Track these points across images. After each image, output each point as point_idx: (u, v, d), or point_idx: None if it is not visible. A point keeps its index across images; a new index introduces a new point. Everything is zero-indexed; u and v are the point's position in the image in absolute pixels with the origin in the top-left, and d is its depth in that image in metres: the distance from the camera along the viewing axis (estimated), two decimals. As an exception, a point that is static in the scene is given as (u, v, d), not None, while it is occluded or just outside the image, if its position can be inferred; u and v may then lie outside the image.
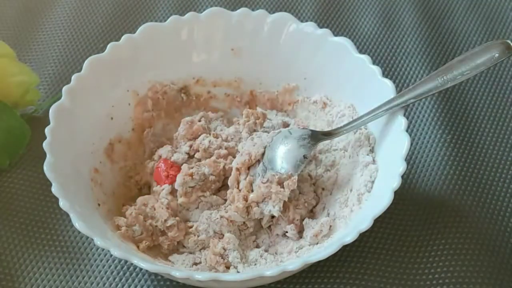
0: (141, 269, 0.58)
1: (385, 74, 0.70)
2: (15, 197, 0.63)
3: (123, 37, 0.63)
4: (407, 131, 0.56)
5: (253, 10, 0.66)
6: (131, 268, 0.58)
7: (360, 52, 0.62)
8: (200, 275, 0.50)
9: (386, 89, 0.58)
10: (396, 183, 0.52)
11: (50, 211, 0.62)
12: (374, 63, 0.61)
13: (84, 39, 0.77)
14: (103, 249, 0.59)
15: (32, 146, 0.65)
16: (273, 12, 0.65)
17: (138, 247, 0.57)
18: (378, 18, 0.78)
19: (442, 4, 0.79)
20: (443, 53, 0.74)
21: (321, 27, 0.64)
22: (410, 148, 0.56)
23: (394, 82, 0.70)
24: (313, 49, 0.64)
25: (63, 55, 0.75)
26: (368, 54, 0.62)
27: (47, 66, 0.74)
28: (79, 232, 0.58)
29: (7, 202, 0.63)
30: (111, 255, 0.59)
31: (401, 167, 0.53)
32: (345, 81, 0.62)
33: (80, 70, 0.61)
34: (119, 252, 0.51)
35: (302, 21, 0.65)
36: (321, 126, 0.63)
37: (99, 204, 0.58)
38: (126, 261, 0.58)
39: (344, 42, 0.62)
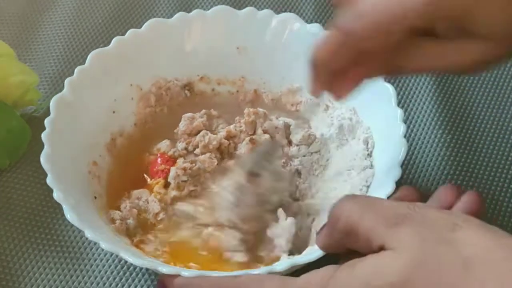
0: (141, 268, 0.58)
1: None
2: (15, 197, 0.63)
3: (128, 32, 0.64)
4: (405, 136, 0.55)
5: (250, 6, 0.66)
6: (131, 267, 0.58)
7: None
8: (187, 272, 0.50)
9: (386, 93, 0.58)
10: (390, 189, 0.52)
11: (51, 210, 0.62)
12: (374, 63, 0.61)
13: (84, 39, 0.77)
14: (103, 249, 0.59)
15: (32, 146, 0.65)
16: (270, 8, 0.65)
17: (132, 241, 0.57)
18: (378, 18, 0.78)
19: (442, 4, 0.79)
20: (443, 53, 0.74)
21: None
22: (410, 148, 0.56)
23: (393, 82, 0.71)
24: None
25: (63, 55, 0.75)
26: (368, 54, 0.62)
27: (47, 66, 0.74)
28: (80, 232, 0.58)
29: (7, 202, 0.63)
30: (112, 254, 0.59)
31: (396, 173, 0.53)
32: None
33: (80, 70, 0.61)
34: (108, 245, 0.50)
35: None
36: (321, 127, 0.63)
37: (95, 197, 0.58)
38: (126, 260, 0.58)
39: None
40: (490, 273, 0.37)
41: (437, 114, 0.68)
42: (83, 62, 0.62)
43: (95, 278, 0.58)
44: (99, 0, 0.81)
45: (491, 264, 0.37)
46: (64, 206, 0.52)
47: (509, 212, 0.61)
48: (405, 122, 0.57)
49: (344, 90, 0.49)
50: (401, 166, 0.54)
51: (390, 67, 0.47)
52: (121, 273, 0.58)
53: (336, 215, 0.43)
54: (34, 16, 0.80)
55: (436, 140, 0.66)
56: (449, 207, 0.48)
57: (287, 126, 0.63)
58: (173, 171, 0.58)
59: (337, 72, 0.48)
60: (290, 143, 0.62)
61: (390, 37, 0.44)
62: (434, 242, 0.38)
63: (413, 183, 0.63)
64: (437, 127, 0.67)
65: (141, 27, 0.65)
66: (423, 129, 0.67)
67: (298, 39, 0.64)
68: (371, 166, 0.58)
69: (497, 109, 0.69)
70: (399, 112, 0.57)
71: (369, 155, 0.58)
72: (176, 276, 0.49)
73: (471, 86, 0.71)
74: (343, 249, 0.44)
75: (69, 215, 0.51)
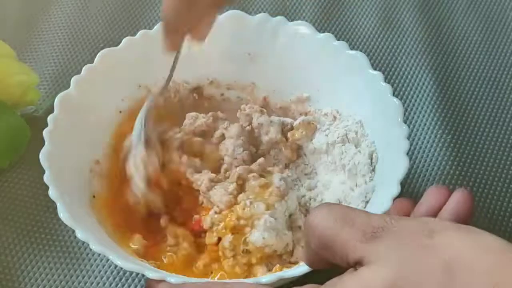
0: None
1: (385, 75, 0.70)
2: (15, 197, 0.63)
3: (139, 32, 0.63)
4: (407, 153, 0.55)
5: (254, 11, 0.66)
6: (131, 268, 0.58)
7: (360, 50, 0.62)
8: (173, 278, 0.49)
9: (394, 109, 0.57)
10: (386, 206, 0.51)
11: (50, 211, 0.62)
12: (374, 63, 0.60)
13: (84, 39, 0.77)
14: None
15: (32, 146, 0.65)
16: (271, 14, 0.65)
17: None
18: (378, 18, 0.78)
19: (442, 4, 0.79)
20: (443, 53, 0.74)
21: (320, 28, 0.64)
22: (410, 148, 0.55)
23: (393, 82, 0.71)
24: (328, 61, 0.62)
25: (63, 55, 0.75)
26: (368, 54, 0.62)
27: (47, 66, 0.74)
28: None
29: (7, 202, 0.63)
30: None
31: (395, 191, 0.52)
32: (357, 97, 0.61)
33: (80, 71, 0.61)
34: (98, 246, 0.50)
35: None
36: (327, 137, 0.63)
37: (94, 196, 0.58)
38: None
39: (360, 56, 0.61)
40: (470, 275, 0.37)
41: (437, 114, 0.68)
42: (83, 62, 0.62)
43: (95, 278, 0.58)
44: (99, 0, 0.81)
45: (471, 265, 0.37)
46: (58, 205, 0.52)
47: (509, 212, 0.61)
48: (406, 121, 0.57)
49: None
50: (400, 184, 0.53)
51: None
52: (121, 273, 0.58)
53: (312, 226, 0.42)
54: (34, 16, 0.80)
55: (436, 140, 0.66)
56: (439, 209, 0.48)
57: (285, 124, 0.63)
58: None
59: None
60: (287, 139, 0.62)
61: None
62: (412, 250, 0.38)
63: (413, 183, 0.63)
64: (437, 127, 0.67)
65: (141, 27, 0.64)
66: (423, 129, 0.67)
67: (309, 47, 0.63)
68: (373, 181, 0.57)
69: (497, 109, 0.69)
70: (405, 129, 0.56)
71: (373, 170, 0.58)
72: (161, 281, 0.49)
73: (471, 86, 0.71)
74: (326, 263, 0.44)
75: (62, 213, 0.51)
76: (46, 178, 0.53)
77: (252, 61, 0.65)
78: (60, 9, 0.80)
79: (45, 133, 0.56)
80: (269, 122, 0.62)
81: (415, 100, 0.70)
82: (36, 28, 0.79)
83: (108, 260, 0.59)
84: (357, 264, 0.40)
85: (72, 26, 0.79)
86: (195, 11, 0.54)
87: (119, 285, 0.57)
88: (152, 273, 0.50)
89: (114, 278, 0.58)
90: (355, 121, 0.61)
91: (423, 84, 0.71)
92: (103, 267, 0.58)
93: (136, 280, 0.58)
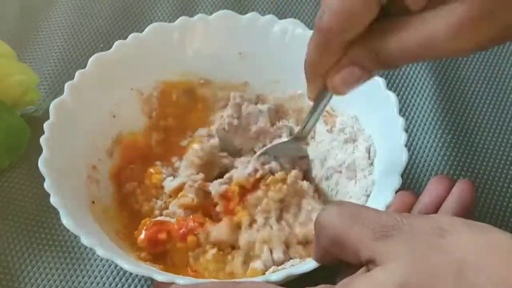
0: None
1: (385, 75, 0.70)
2: (15, 197, 0.63)
3: (130, 36, 0.63)
4: (406, 145, 0.55)
5: (250, 11, 0.66)
6: (131, 268, 0.58)
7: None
8: (182, 280, 0.49)
9: (389, 102, 0.58)
10: (389, 198, 0.52)
11: (50, 211, 0.62)
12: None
13: (84, 39, 0.77)
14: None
15: (32, 146, 0.65)
16: (271, 13, 0.65)
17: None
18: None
19: (442, 4, 0.79)
20: (443, 53, 0.74)
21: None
22: (410, 148, 0.55)
23: (393, 82, 0.71)
24: None
25: (63, 55, 0.75)
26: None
27: (47, 66, 0.74)
28: (79, 232, 0.58)
29: (7, 202, 0.63)
30: (111, 255, 0.59)
31: (396, 183, 0.52)
32: (350, 92, 0.61)
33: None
34: (104, 251, 0.50)
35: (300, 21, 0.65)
36: (323, 132, 0.63)
37: (93, 202, 0.58)
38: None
39: None
40: (482, 278, 0.37)
41: (437, 114, 0.68)
42: (83, 62, 0.62)
43: (95, 278, 0.58)
44: (99, 0, 0.81)
45: (482, 268, 0.37)
46: (60, 211, 0.52)
47: (509, 212, 0.61)
48: (405, 120, 0.57)
49: (341, 87, 0.48)
50: (401, 176, 0.53)
51: (379, 57, 0.46)
52: (121, 273, 0.58)
53: (322, 224, 0.42)
54: (34, 16, 0.80)
55: (436, 140, 0.66)
56: (443, 199, 0.47)
57: (271, 110, 0.63)
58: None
59: (331, 70, 0.47)
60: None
61: (363, 19, 0.44)
62: (424, 251, 0.38)
63: (413, 183, 0.63)
64: (437, 127, 0.67)
65: (141, 27, 0.64)
66: (423, 129, 0.67)
67: (300, 44, 0.63)
68: (372, 175, 0.57)
69: (497, 109, 0.69)
70: (401, 120, 0.56)
71: (371, 164, 0.58)
72: (171, 284, 0.49)
73: (471, 85, 0.71)
74: (335, 259, 0.44)
75: (66, 220, 0.51)
76: (46, 185, 0.53)
77: (244, 60, 0.65)
78: (60, 9, 0.81)
79: (42, 140, 0.56)
80: (258, 112, 0.62)
81: (415, 100, 0.70)
82: (36, 28, 0.79)
83: (108, 260, 0.59)
84: (369, 262, 0.39)
85: (72, 26, 0.79)
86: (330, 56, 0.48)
87: (119, 285, 0.57)
88: (161, 276, 0.50)
89: (114, 278, 0.58)
90: (350, 116, 0.61)
91: (423, 83, 0.71)
92: (103, 267, 0.58)
93: (136, 280, 0.58)
